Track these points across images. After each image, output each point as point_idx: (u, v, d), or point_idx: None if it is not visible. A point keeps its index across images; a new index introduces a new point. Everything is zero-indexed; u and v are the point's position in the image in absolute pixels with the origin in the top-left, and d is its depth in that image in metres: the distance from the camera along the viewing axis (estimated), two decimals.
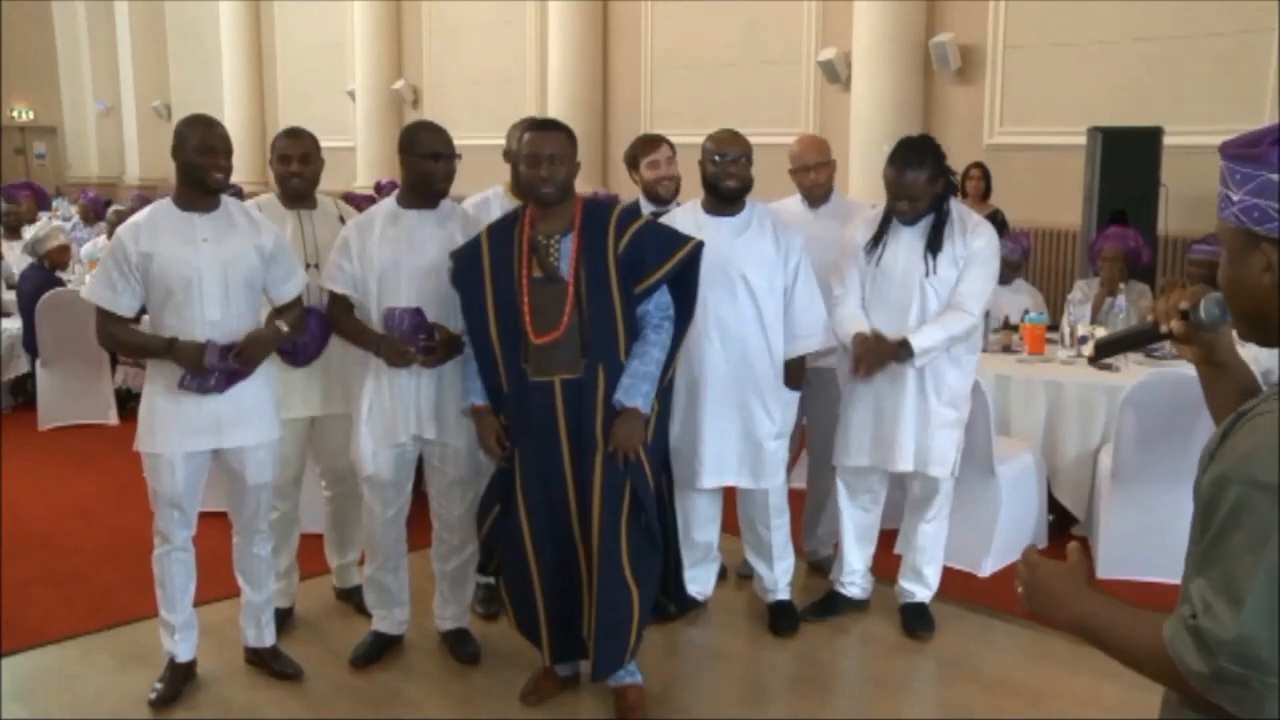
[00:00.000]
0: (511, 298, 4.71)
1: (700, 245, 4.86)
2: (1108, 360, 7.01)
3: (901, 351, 5.38)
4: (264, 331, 4.96)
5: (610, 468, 4.70)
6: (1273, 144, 1.90)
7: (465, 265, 4.84)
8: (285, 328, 5.03)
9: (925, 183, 5.39)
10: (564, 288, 4.68)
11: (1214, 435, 1.97)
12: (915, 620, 5.78)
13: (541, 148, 4.69)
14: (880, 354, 5.40)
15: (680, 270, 4.82)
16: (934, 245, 5.43)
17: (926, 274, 5.42)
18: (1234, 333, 2.14)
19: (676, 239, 4.88)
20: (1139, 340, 2.52)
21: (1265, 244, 1.91)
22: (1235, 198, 1.95)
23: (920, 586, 5.83)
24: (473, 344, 4.86)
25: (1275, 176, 1.88)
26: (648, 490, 4.82)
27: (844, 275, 5.63)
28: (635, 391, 4.70)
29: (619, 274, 4.71)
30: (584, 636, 4.86)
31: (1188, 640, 1.80)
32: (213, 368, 4.72)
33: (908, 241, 5.49)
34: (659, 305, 4.82)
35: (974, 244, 5.45)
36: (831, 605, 5.95)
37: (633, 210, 5.58)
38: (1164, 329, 2.28)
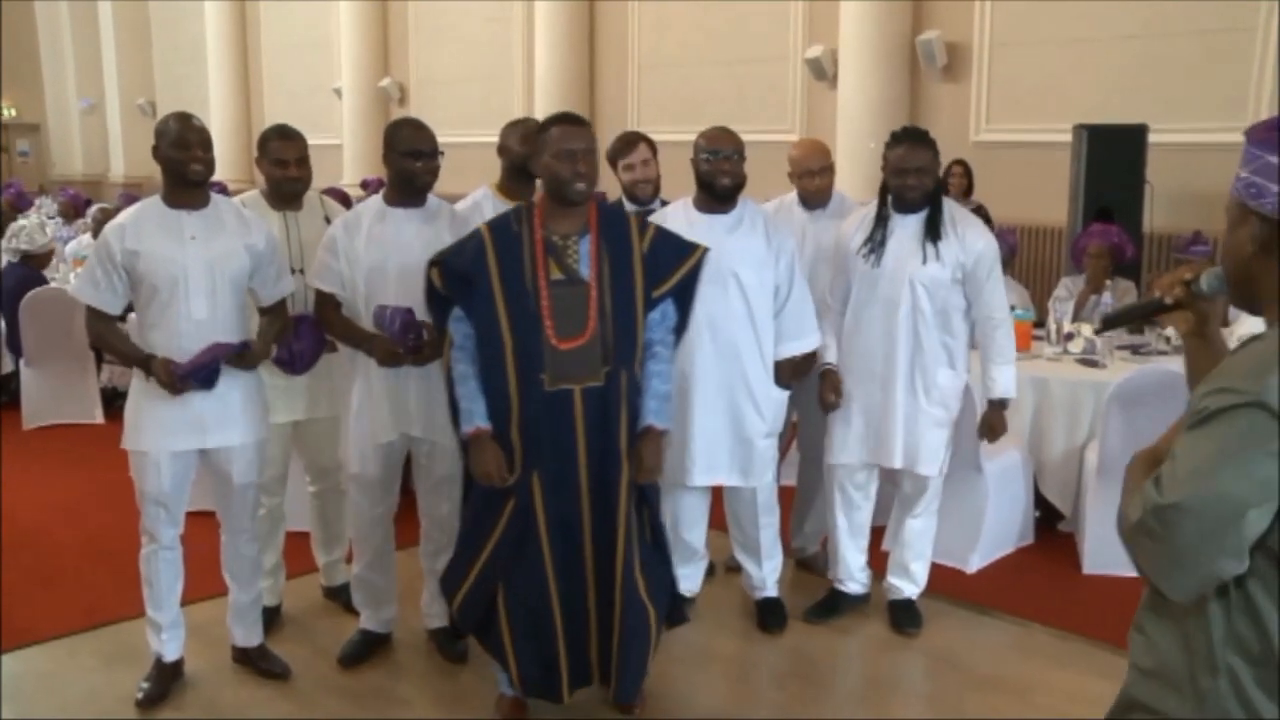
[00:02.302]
0: (526, 302, 4.44)
1: (706, 252, 4.75)
2: (1094, 356, 7.07)
3: (1003, 408, 5.71)
4: (262, 345, 4.99)
5: (631, 482, 4.54)
6: (1270, 128, 2.19)
7: (467, 266, 4.51)
8: (275, 348, 5.11)
9: (931, 159, 5.48)
10: (586, 290, 4.47)
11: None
12: (903, 616, 5.81)
13: (574, 142, 4.46)
14: (998, 430, 5.74)
15: (690, 279, 4.71)
16: (933, 235, 5.46)
17: (924, 260, 5.44)
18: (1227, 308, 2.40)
19: (686, 246, 4.74)
20: (1144, 312, 2.71)
21: (1254, 217, 2.20)
22: (1242, 174, 2.22)
23: (908, 583, 5.84)
24: (480, 353, 4.52)
25: (1275, 159, 2.16)
26: (657, 494, 4.79)
27: (833, 283, 5.71)
28: (664, 413, 4.63)
29: (644, 275, 4.57)
30: (592, 660, 4.69)
31: (1137, 497, 2.10)
32: (210, 361, 4.75)
33: (899, 238, 5.51)
34: (665, 314, 4.68)
35: (977, 247, 5.52)
36: (834, 605, 5.95)
37: (644, 212, 5.62)
38: (1168, 300, 2.50)
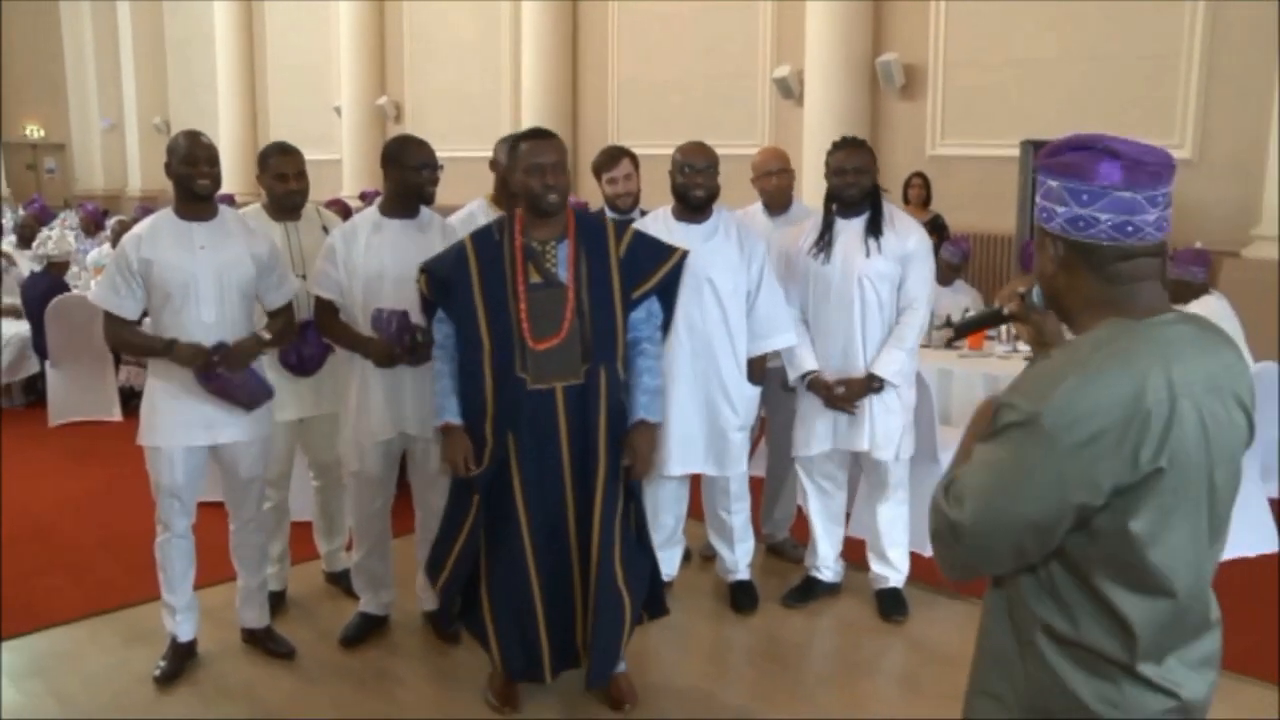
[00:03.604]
0: (505, 305, 4.40)
1: (685, 255, 4.69)
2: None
3: (874, 384, 5.50)
4: (246, 340, 4.92)
5: (612, 475, 4.47)
6: (1052, 155, 2.21)
7: (449, 273, 4.51)
8: (268, 335, 5.03)
9: (868, 161, 5.53)
10: (564, 293, 4.42)
11: None
12: (890, 604, 5.78)
13: (543, 156, 4.42)
14: (855, 395, 5.52)
15: (670, 279, 4.64)
16: (874, 231, 5.49)
17: (868, 255, 5.45)
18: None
19: (665, 248, 4.68)
20: (988, 322, 2.75)
21: (1050, 239, 2.22)
22: (1038, 201, 2.25)
23: (891, 571, 5.82)
24: (461, 354, 4.53)
25: (1053, 182, 2.19)
26: (640, 490, 4.72)
27: (787, 288, 5.67)
28: (655, 407, 4.58)
29: (621, 277, 4.52)
30: (579, 644, 4.63)
31: (934, 500, 2.19)
32: (210, 366, 4.74)
33: (846, 238, 5.52)
34: (651, 313, 4.63)
35: (909, 243, 5.53)
36: (809, 590, 5.94)
37: (622, 219, 5.59)
38: (1006, 310, 2.49)
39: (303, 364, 5.39)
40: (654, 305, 4.65)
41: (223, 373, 4.75)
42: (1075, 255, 2.18)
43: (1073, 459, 2.01)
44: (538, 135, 4.56)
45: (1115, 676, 2.15)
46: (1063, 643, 2.18)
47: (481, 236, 4.58)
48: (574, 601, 4.58)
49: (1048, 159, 2.21)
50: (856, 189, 5.49)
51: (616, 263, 4.53)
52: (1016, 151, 10.62)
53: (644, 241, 4.69)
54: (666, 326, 4.80)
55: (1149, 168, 2.13)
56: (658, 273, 4.60)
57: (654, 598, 4.87)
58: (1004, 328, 7.55)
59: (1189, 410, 2.04)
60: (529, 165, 4.43)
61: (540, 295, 4.43)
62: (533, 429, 4.44)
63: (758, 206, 6.26)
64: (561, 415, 4.44)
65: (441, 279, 4.55)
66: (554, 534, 4.52)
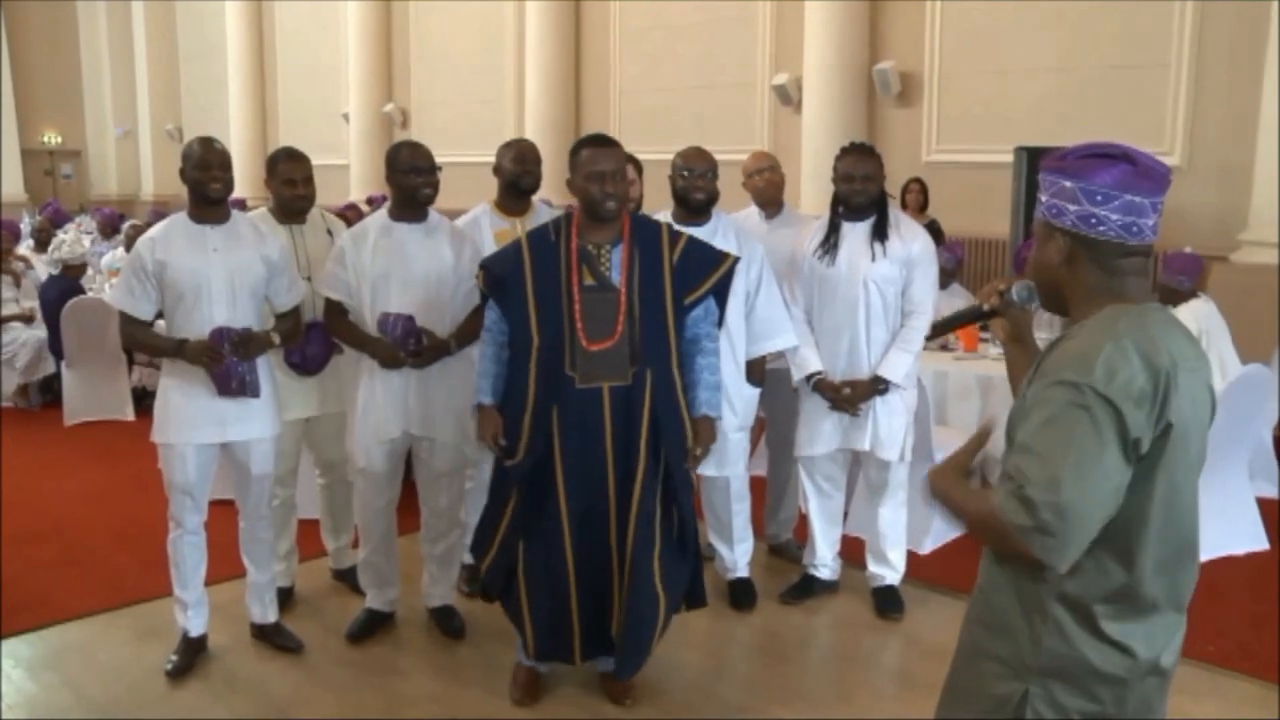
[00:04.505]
0: (558, 305, 4.42)
1: (736, 261, 4.70)
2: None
3: (880, 386, 5.49)
4: (260, 334, 4.93)
5: (651, 475, 4.46)
6: (1069, 159, 2.39)
7: (505, 270, 4.52)
8: (277, 339, 5.04)
9: (875, 168, 5.49)
10: (616, 296, 4.42)
11: (1031, 368, 2.48)
12: (886, 602, 5.75)
13: (604, 164, 4.41)
14: (861, 396, 5.50)
15: (721, 285, 4.63)
16: (880, 235, 5.46)
17: (873, 259, 5.43)
18: (1040, 317, 2.56)
19: (717, 255, 4.68)
20: (969, 318, 2.92)
21: (1059, 233, 2.40)
22: (1044, 199, 2.43)
23: (889, 570, 5.80)
24: (511, 348, 4.53)
25: (1068, 183, 2.37)
26: (689, 495, 4.66)
27: (793, 290, 5.66)
28: (715, 402, 4.61)
29: (673, 283, 4.51)
30: (613, 635, 4.63)
31: (1014, 503, 2.25)
32: (220, 346, 4.75)
33: (852, 241, 5.50)
34: (709, 310, 4.63)
35: (914, 248, 5.51)
36: (807, 588, 5.92)
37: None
38: (986, 307, 2.74)
39: (306, 363, 5.40)
40: (710, 303, 4.64)
41: (230, 356, 4.77)
42: (1081, 249, 2.38)
43: (1128, 413, 2.20)
44: (599, 142, 4.56)
45: (1121, 639, 2.36)
46: (1075, 608, 2.36)
47: (538, 236, 4.58)
48: (611, 592, 4.58)
49: (1062, 161, 2.39)
50: (864, 196, 5.47)
51: (669, 268, 4.52)
52: (1010, 158, 10.60)
53: (697, 248, 4.67)
54: (719, 326, 4.79)
55: (1156, 175, 2.34)
56: (709, 279, 4.59)
57: (694, 591, 4.87)
58: (997, 330, 7.54)
59: (1185, 380, 2.27)
60: (589, 172, 4.43)
61: (594, 298, 4.44)
62: (578, 427, 4.43)
63: (752, 210, 6.22)
64: (607, 414, 4.43)
65: (497, 275, 4.55)
66: (593, 527, 4.51)
